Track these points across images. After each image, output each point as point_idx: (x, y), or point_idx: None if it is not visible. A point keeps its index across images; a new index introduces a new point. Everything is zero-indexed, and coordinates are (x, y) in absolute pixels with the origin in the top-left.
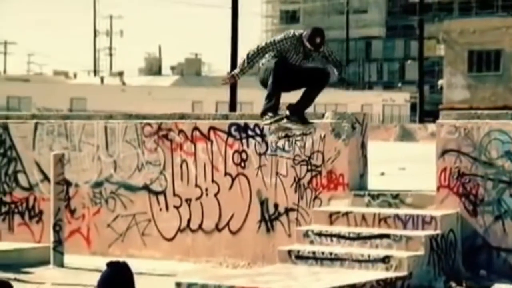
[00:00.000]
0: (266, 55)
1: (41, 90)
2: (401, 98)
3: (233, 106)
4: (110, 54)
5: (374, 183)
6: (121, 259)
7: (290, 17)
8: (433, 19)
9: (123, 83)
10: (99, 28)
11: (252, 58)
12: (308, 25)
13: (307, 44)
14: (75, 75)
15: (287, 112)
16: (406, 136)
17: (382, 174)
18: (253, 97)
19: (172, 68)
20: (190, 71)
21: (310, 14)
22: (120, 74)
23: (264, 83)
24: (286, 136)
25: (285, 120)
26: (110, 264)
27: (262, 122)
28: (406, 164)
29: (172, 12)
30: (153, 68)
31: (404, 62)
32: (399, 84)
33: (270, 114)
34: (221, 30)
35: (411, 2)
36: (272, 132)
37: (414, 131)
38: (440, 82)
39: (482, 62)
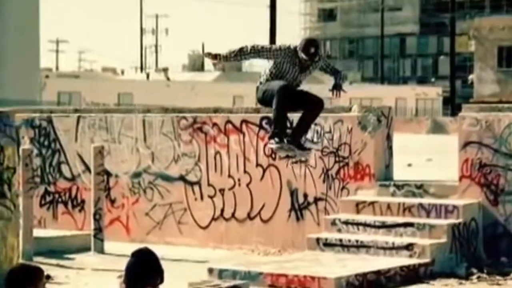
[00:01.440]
0: (263, 75)
1: (90, 86)
2: (434, 92)
3: None
4: (156, 52)
5: (401, 173)
6: (158, 246)
7: (327, 15)
8: (465, 17)
9: (168, 79)
10: (146, 26)
11: (244, 53)
12: (345, 23)
13: (302, 55)
14: (122, 72)
15: (285, 140)
16: (437, 128)
17: (409, 165)
18: None
19: (214, 64)
20: (232, 67)
21: (346, 12)
22: (165, 70)
23: (261, 102)
24: (287, 156)
25: (286, 147)
26: (134, 254)
27: (269, 145)
28: (434, 156)
29: (214, 10)
30: (196, 64)
31: (437, 58)
32: (432, 79)
33: (276, 139)
34: (261, 28)
35: (443, 0)
36: (274, 153)
37: (445, 124)
38: (470, 77)
39: (511, 57)
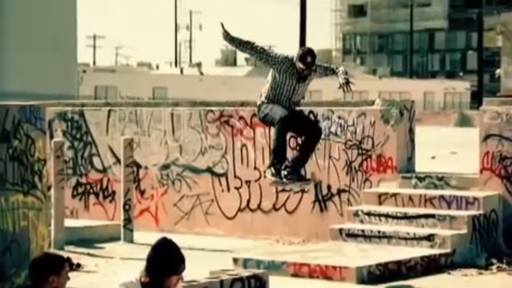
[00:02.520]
0: (264, 92)
1: (126, 80)
2: (462, 87)
3: None
4: (190, 47)
5: (424, 166)
6: (186, 236)
7: (358, 11)
8: (492, 12)
9: (201, 74)
10: (180, 22)
11: (249, 47)
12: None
13: (299, 64)
14: (157, 66)
15: (285, 172)
16: (464, 122)
17: (433, 157)
18: (322, 85)
19: (246, 59)
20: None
21: (376, 8)
22: (198, 65)
23: (262, 121)
24: (283, 190)
25: (284, 180)
26: (155, 244)
27: (266, 174)
28: (459, 149)
29: (246, 7)
30: (229, 59)
31: (465, 53)
32: (461, 73)
33: (273, 171)
34: (292, 24)
35: None
36: (272, 185)
37: (472, 117)
38: (498, 71)
39: None
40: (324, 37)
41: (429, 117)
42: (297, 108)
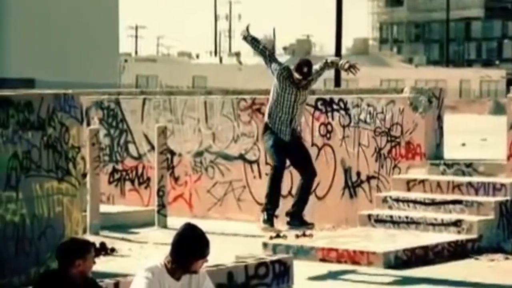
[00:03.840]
0: (268, 108)
1: (167, 69)
2: (498, 75)
3: (337, 82)
4: (229, 37)
5: (454, 152)
6: (219, 222)
7: (395, 0)
8: None
9: (240, 63)
10: (220, 12)
11: (258, 45)
12: (412, 8)
13: (296, 74)
14: (197, 56)
15: (288, 219)
16: (499, 110)
17: (463, 144)
18: (358, 74)
19: (285, 48)
20: (301, 51)
21: None
22: (237, 54)
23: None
24: (277, 236)
25: (282, 234)
26: (180, 230)
27: (259, 219)
28: (490, 136)
29: None
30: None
31: (501, 41)
32: (497, 62)
33: (265, 217)
34: (329, 14)
35: None
36: (262, 231)
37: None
38: None
39: None
40: (360, 26)
41: (464, 105)
42: (298, 130)
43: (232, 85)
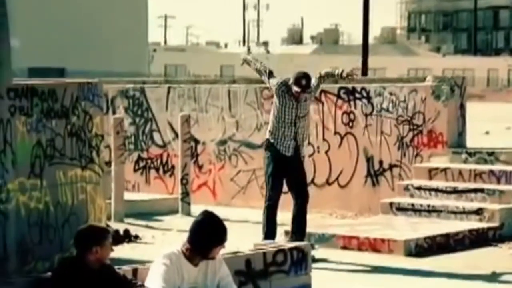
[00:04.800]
0: (270, 123)
1: (195, 58)
2: None
3: (365, 71)
4: (258, 26)
5: (477, 141)
6: (242, 210)
7: None
8: None
9: (267, 52)
10: (248, 2)
11: (258, 67)
12: None
13: (294, 88)
14: (226, 45)
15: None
16: None
17: (487, 133)
18: (386, 63)
19: (312, 37)
20: (329, 40)
21: None
22: (265, 43)
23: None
24: None
25: None
26: (198, 217)
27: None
28: None
29: None
30: (295, 38)
31: None
32: None
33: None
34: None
35: None
36: None
37: None
38: None
39: None
40: (388, 15)
41: (492, 94)
42: (300, 148)
43: None
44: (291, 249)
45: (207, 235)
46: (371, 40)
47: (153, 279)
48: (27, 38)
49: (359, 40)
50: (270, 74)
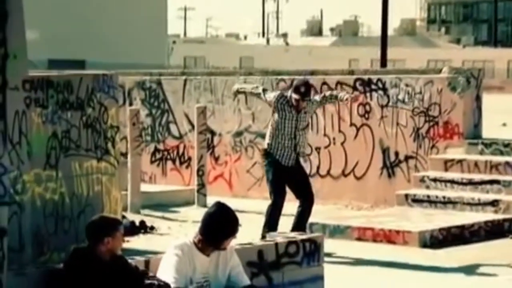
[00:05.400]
0: (268, 132)
1: (214, 50)
2: None
3: (384, 63)
4: (277, 18)
5: (494, 132)
6: (258, 201)
7: None
8: None
9: (287, 44)
10: None
11: (260, 87)
12: None
13: (293, 95)
14: (245, 37)
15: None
16: None
17: (504, 124)
18: (405, 54)
19: (331, 29)
20: (348, 32)
21: None
22: (284, 35)
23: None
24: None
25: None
26: (211, 209)
27: None
28: None
29: None
30: (314, 29)
31: None
32: None
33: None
34: None
35: None
36: None
37: None
38: None
39: None
40: (408, 7)
41: (511, 86)
42: (300, 157)
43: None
44: (303, 240)
45: (219, 227)
46: (390, 31)
47: (165, 269)
48: (47, 30)
49: (378, 32)
50: (265, 91)
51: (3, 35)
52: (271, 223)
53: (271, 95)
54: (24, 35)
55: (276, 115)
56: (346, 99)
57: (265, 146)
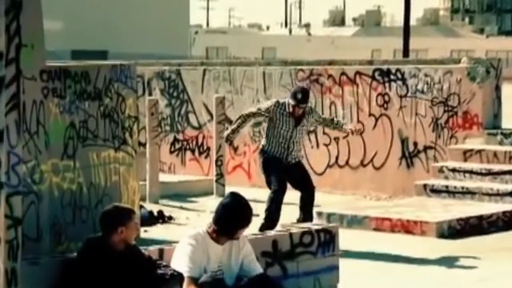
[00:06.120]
0: (264, 137)
1: (237, 41)
2: None
3: (406, 53)
4: (300, 8)
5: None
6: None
7: None
8: None
9: (309, 34)
10: None
11: (243, 121)
12: None
13: (290, 101)
14: (267, 27)
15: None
16: None
17: None
18: (428, 44)
19: (354, 19)
20: (371, 22)
21: None
22: (307, 26)
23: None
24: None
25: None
26: (226, 199)
27: None
28: None
29: None
30: (337, 20)
31: None
32: None
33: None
34: None
35: None
36: None
37: None
38: None
39: None
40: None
41: None
42: (296, 159)
43: (301, 57)
44: (318, 230)
45: (234, 217)
46: (413, 21)
47: (179, 259)
48: (71, 22)
49: (401, 21)
50: (256, 112)
51: (17, 24)
52: (270, 220)
53: (265, 105)
54: (41, 25)
55: (273, 123)
56: (349, 130)
57: (261, 146)
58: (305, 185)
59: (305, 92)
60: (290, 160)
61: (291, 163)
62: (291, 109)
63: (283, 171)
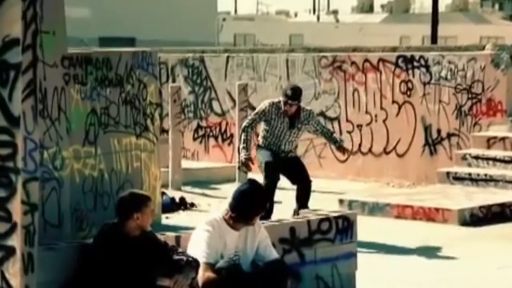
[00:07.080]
0: (260, 136)
1: (264, 28)
2: None
3: (434, 39)
4: None
5: None
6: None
7: None
8: None
9: (337, 21)
10: None
11: (248, 132)
12: None
13: (282, 98)
14: (295, 14)
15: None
16: None
17: None
18: (457, 31)
19: (382, 6)
20: (399, 8)
21: None
22: (335, 12)
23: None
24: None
25: None
26: (244, 185)
27: None
28: None
29: None
30: (365, 6)
31: None
32: None
33: None
34: None
35: None
36: None
37: None
38: None
39: None
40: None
41: None
42: (291, 155)
43: (329, 43)
44: (336, 217)
45: (251, 204)
46: (442, 8)
47: (196, 245)
48: (98, 8)
49: (430, 8)
50: (255, 118)
51: (33, 11)
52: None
53: (261, 107)
54: (63, 12)
55: (269, 123)
56: (337, 146)
57: (258, 142)
58: (301, 178)
59: (295, 89)
60: (284, 156)
61: (286, 158)
62: (283, 107)
63: (278, 160)
